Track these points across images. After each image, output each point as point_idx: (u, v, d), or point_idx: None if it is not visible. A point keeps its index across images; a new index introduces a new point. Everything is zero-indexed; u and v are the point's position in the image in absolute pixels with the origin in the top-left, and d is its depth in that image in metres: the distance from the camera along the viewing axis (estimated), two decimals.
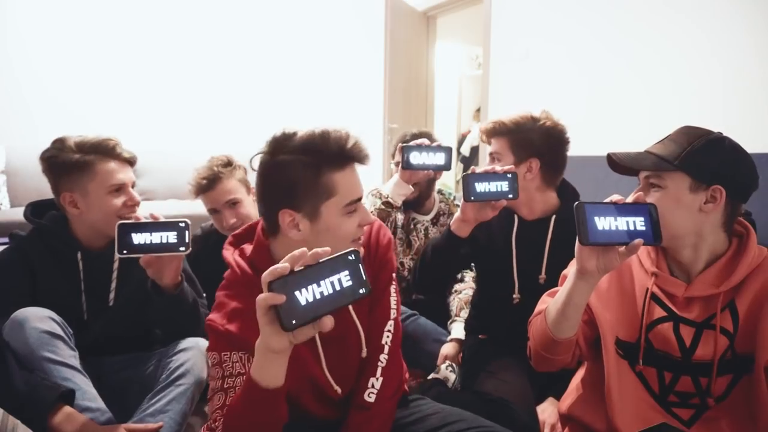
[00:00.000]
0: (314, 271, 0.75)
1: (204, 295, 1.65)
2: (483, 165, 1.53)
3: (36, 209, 1.51)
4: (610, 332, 1.14)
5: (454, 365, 1.77)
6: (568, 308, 1.07)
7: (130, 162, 1.51)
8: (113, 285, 1.51)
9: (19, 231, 1.50)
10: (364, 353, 1.15)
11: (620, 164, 1.13)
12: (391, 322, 1.18)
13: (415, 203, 2.12)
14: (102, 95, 4.02)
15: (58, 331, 1.31)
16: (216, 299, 1.09)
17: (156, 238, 1.28)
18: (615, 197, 1.02)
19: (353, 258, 0.77)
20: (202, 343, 1.44)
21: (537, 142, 1.51)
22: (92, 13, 3.95)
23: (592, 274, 1.01)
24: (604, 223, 0.98)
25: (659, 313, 1.11)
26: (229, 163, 1.85)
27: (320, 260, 0.76)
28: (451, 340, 1.85)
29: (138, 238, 1.27)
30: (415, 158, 1.64)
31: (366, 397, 1.10)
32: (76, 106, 3.90)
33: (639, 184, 1.14)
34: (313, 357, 1.10)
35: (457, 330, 1.88)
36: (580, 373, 1.28)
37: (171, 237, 1.27)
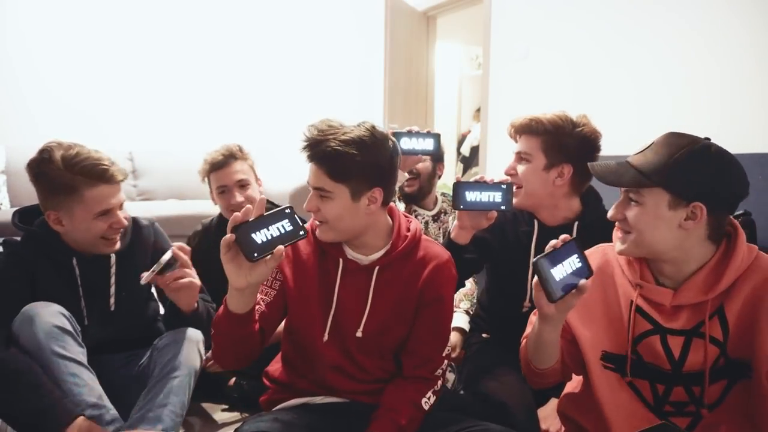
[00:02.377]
0: (263, 220, 1.02)
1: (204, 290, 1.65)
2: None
3: (23, 216, 1.49)
4: (594, 347, 1.12)
5: (453, 365, 1.77)
6: (541, 345, 1.07)
7: (121, 182, 1.45)
8: (113, 289, 1.50)
9: (12, 237, 1.48)
10: (359, 333, 1.23)
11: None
12: (446, 359, 1.30)
13: (416, 197, 2.17)
14: (102, 95, 4.02)
15: (68, 326, 1.31)
16: None
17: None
18: (556, 241, 0.99)
19: (289, 211, 1.06)
20: (193, 333, 1.44)
21: (572, 148, 1.43)
22: (92, 13, 3.95)
23: (554, 317, 1.00)
24: (560, 272, 0.97)
25: (645, 326, 1.08)
26: (241, 150, 1.91)
27: (265, 213, 1.03)
28: (453, 329, 1.85)
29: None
30: (405, 143, 1.66)
31: (422, 404, 1.22)
32: (77, 107, 3.90)
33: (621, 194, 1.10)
34: (326, 302, 1.24)
35: (458, 319, 1.88)
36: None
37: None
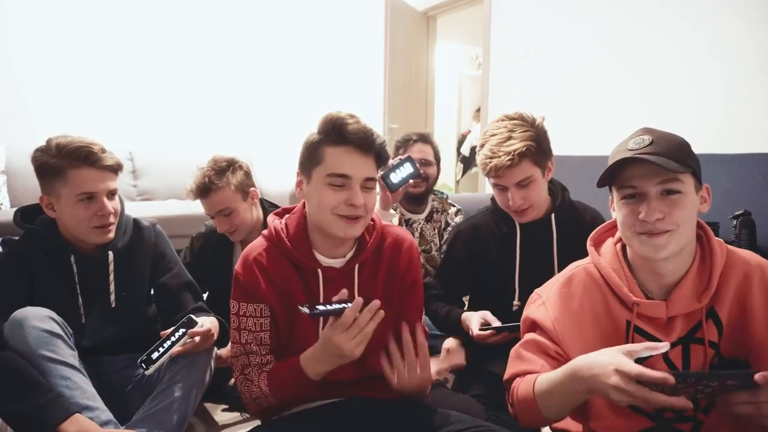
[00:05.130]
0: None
1: (204, 295, 1.65)
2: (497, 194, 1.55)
3: (25, 214, 1.51)
4: None
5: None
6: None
7: (114, 169, 1.45)
8: (112, 287, 1.50)
9: (11, 237, 1.49)
10: None
11: (634, 170, 0.99)
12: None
13: (419, 198, 2.20)
14: (102, 95, 4.02)
15: (58, 330, 1.31)
16: (243, 251, 1.24)
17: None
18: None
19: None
20: None
21: (547, 144, 1.50)
22: (92, 13, 3.95)
23: None
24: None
25: None
26: (227, 168, 1.82)
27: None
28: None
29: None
30: (395, 178, 1.76)
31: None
32: (76, 107, 3.90)
33: (631, 197, 1.00)
34: (315, 318, 1.21)
35: None
36: None
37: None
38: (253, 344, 1.20)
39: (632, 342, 1.04)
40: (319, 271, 1.21)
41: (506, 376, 1.13)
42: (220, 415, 1.75)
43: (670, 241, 0.99)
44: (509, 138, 1.43)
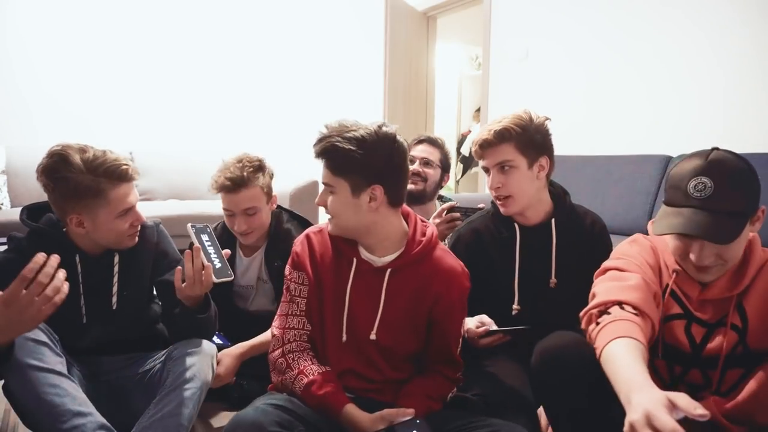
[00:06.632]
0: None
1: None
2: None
3: (31, 213, 1.50)
4: None
5: None
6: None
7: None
8: (115, 288, 1.50)
9: (17, 233, 1.48)
10: (372, 336, 1.27)
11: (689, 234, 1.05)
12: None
13: (418, 198, 2.17)
14: (102, 95, 4.02)
15: (43, 338, 1.29)
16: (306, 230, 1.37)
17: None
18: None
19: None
20: (208, 346, 1.44)
21: (541, 140, 1.50)
22: (92, 13, 3.95)
23: None
24: None
25: (676, 309, 1.15)
26: (260, 168, 1.80)
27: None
28: None
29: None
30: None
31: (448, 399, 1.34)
32: (76, 107, 3.90)
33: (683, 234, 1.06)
34: (339, 302, 1.28)
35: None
36: None
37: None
38: (293, 304, 1.30)
39: (666, 302, 1.14)
40: (354, 260, 1.26)
41: (602, 299, 1.08)
42: (220, 414, 1.75)
43: (719, 272, 1.10)
44: (500, 121, 1.50)
